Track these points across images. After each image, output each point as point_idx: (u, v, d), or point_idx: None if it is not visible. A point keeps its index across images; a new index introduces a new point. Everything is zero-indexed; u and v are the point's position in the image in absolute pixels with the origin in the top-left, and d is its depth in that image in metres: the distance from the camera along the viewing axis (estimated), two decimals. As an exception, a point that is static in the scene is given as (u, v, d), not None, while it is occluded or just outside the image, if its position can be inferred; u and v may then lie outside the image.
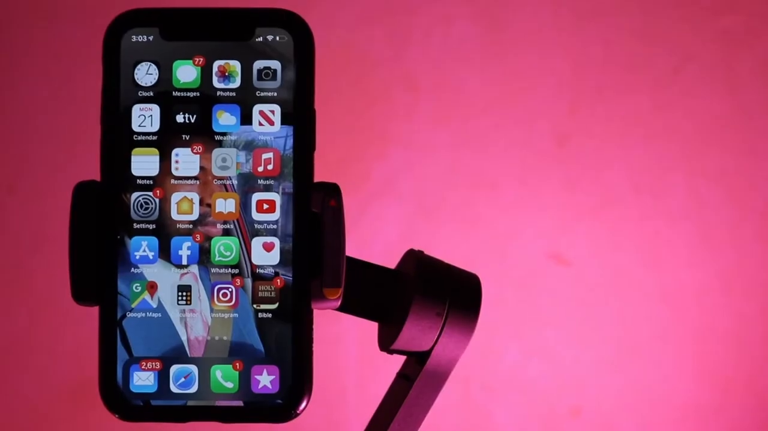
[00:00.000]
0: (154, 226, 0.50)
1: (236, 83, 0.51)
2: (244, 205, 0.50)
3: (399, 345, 0.55)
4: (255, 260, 0.50)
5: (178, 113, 0.50)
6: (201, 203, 0.50)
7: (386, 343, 0.56)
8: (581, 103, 1.16)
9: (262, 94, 0.51)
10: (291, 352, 0.49)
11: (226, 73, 0.51)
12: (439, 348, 0.55)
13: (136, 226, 0.50)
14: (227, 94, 0.51)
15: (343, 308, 0.53)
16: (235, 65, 0.50)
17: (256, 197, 0.50)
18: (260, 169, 0.50)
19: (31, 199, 1.14)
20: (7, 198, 1.14)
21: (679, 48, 1.17)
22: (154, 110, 0.50)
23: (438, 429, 1.16)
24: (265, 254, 0.50)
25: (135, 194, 0.50)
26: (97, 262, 0.49)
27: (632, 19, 1.17)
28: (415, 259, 0.55)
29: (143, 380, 0.49)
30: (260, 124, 0.51)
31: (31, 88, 1.15)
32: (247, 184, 0.50)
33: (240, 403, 0.49)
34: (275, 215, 0.50)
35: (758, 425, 1.15)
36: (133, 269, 0.50)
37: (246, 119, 0.50)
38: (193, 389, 0.49)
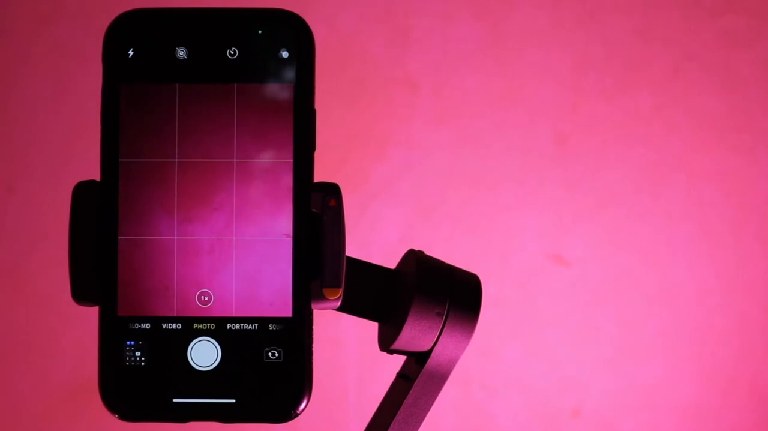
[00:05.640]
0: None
1: (236, 83, 0.50)
2: (244, 205, 0.50)
3: (399, 345, 0.55)
4: (255, 260, 0.50)
5: (178, 113, 0.50)
6: (201, 203, 0.50)
7: (386, 343, 0.56)
8: (581, 103, 1.16)
9: (262, 94, 0.50)
10: (291, 352, 0.49)
11: (226, 73, 0.50)
12: (440, 348, 0.55)
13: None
14: (227, 94, 0.50)
15: (343, 309, 0.53)
16: (235, 65, 0.50)
17: (256, 197, 0.50)
18: (260, 169, 0.50)
19: (31, 199, 1.14)
20: (7, 198, 1.14)
21: (679, 48, 1.17)
22: (154, 110, 0.50)
23: (438, 429, 1.16)
24: (265, 254, 0.50)
25: (135, 194, 0.50)
26: (97, 262, 0.49)
27: (633, 18, 1.17)
28: (415, 259, 0.55)
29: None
30: (260, 124, 0.50)
31: (31, 88, 1.15)
32: (247, 184, 0.50)
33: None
34: (275, 215, 0.50)
35: (758, 425, 1.15)
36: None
37: (246, 119, 0.50)
38: (193, 389, 0.49)
